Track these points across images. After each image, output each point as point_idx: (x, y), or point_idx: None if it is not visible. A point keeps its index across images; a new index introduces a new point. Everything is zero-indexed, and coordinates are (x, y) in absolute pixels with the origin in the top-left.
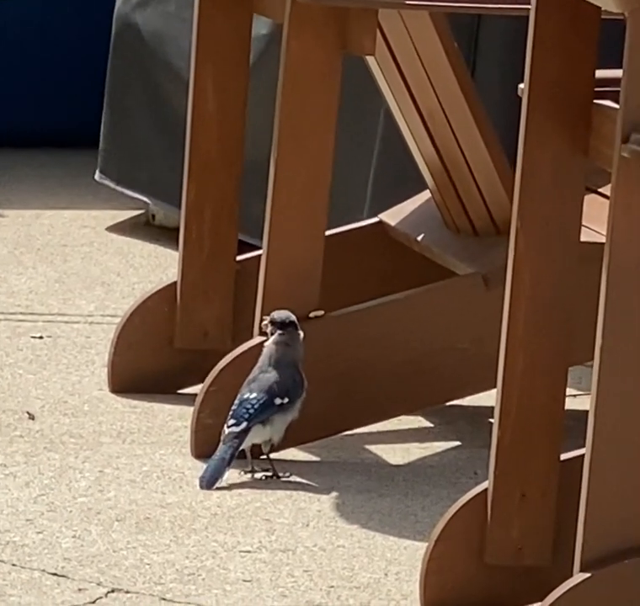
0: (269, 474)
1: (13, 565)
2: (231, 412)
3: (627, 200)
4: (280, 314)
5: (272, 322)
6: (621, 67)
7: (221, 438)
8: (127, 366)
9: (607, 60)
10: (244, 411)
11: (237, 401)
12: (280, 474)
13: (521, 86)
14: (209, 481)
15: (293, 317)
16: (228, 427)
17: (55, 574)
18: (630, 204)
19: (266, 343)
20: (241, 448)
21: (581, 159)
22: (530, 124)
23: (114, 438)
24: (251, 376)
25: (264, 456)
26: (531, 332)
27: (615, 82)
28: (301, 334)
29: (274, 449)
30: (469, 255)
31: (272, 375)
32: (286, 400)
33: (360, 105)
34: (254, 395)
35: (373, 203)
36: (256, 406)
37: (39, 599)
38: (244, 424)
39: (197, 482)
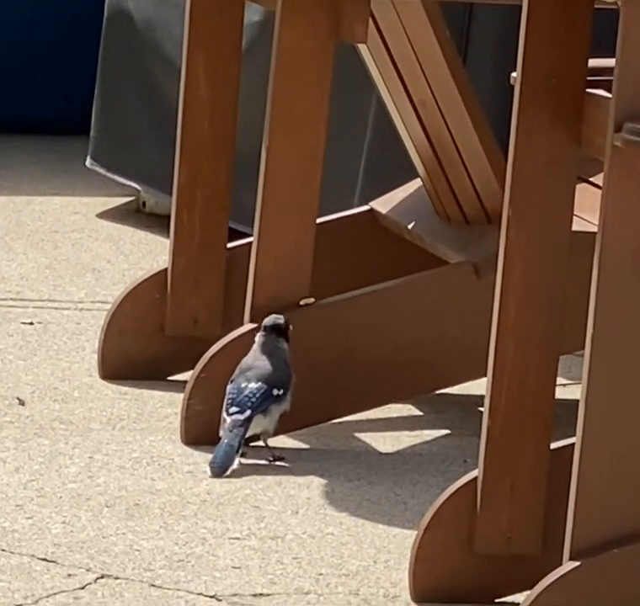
0: (271, 459)
1: (3, 550)
2: (229, 400)
3: (620, 189)
4: (268, 318)
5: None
6: (613, 56)
7: (223, 426)
8: (117, 353)
9: (600, 49)
10: (247, 399)
11: (233, 390)
12: (270, 458)
13: (514, 75)
14: (220, 468)
15: (279, 321)
16: (230, 414)
17: (44, 559)
18: (622, 193)
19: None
20: (246, 436)
21: (573, 148)
22: (523, 112)
23: (104, 424)
24: (244, 365)
25: (254, 444)
26: (522, 321)
27: (607, 71)
28: (285, 344)
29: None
30: (460, 243)
31: (267, 366)
32: (281, 391)
33: (352, 93)
34: (254, 384)
35: (364, 191)
36: (257, 396)
37: (28, 584)
38: (248, 412)
39: (205, 470)
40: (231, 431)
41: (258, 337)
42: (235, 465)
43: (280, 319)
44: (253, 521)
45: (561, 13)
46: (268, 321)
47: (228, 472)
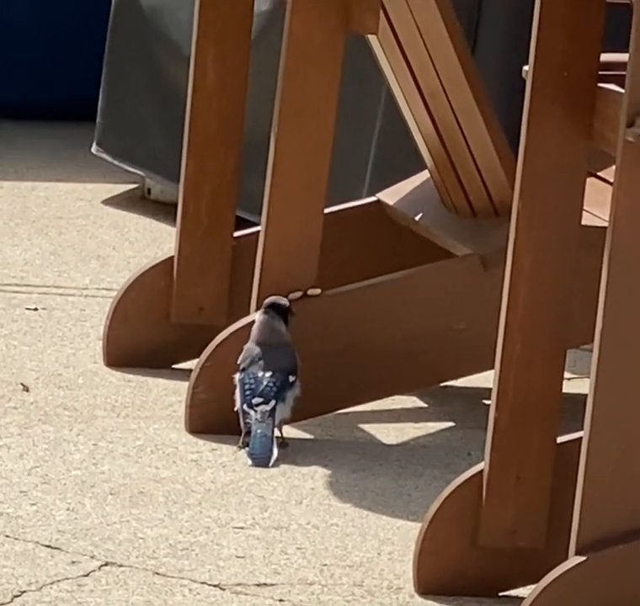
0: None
1: (7, 536)
2: (248, 391)
3: (631, 184)
4: (269, 298)
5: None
6: (625, 51)
7: (247, 418)
8: (122, 340)
9: (612, 44)
10: (268, 389)
11: (249, 379)
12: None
13: (525, 68)
14: (262, 458)
15: (280, 302)
16: (254, 406)
17: (48, 546)
18: (634, 188)
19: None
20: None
21: (584, 142)
22: (534, 106)
23: (109, 411)
24: (253, 352)
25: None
26: (530, 315)
27: (618, 66)
28: (283, 326)
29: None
30: (467, 236)
31: (277, 352)
32: (294, 377)
33: (361, 84)
34: (270, 373)
35: (373, 182)
36: (277, 384)
37: (32, 571)
38: (273, 402)
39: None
40: (262, 422)
41: (258, 318)
42: (275, 455)
43: (281, 300)
44: (258, 511)
45: (574, 6)
46: (268, 300)
47: (271, 462)
